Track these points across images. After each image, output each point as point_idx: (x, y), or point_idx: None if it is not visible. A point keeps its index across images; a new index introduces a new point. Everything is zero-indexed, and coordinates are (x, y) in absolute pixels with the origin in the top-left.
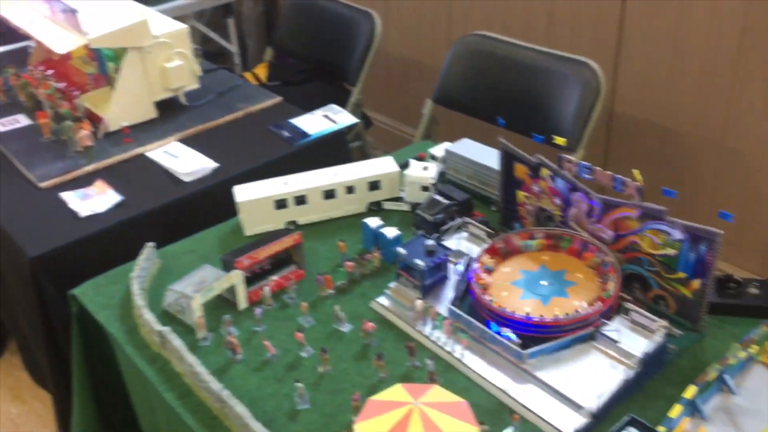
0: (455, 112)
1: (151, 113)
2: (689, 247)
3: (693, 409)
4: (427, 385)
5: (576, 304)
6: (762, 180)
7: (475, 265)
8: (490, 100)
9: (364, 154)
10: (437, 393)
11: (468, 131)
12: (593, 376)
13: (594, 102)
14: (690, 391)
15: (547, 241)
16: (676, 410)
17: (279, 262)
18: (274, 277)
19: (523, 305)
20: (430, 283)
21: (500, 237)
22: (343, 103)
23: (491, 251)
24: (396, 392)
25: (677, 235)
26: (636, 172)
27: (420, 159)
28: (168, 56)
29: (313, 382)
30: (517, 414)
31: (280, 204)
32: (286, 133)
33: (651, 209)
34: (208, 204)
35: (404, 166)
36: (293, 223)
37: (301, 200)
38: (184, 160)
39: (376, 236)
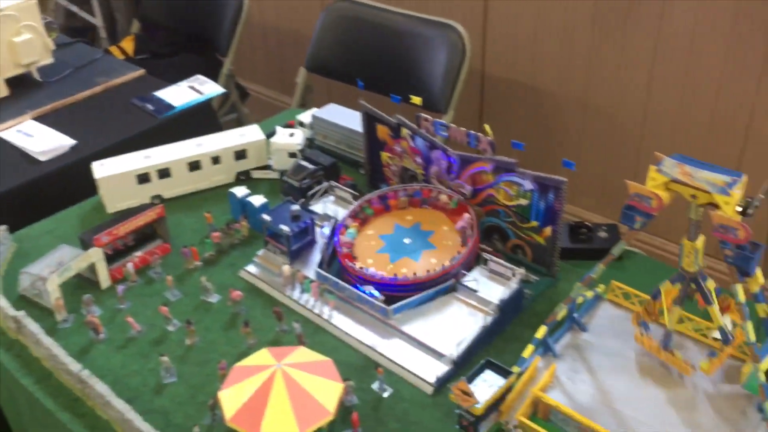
0: (330, 79)
1: (2, 91)
2: (539, 196)
3: (545, 348)
4: (293, 348)
5: (434, 262)
6: (621, 133)
7: (341, 228)
8: (361, 65)
9: (240, 126)
10: (302, 354)
11: (344, 98)
12: (455, 325)
13: (460, 64)
14: (540, 332)
15: (412, 200)
16: (528, 350)
17: (143, 237)
18: (138, 253)
19: (386, 263)
20: (298, 248)
21: (366, 197)
22: (215, 75)
23: (357, 211)
24: (261, 357)
25: (528, 185)
26: (487, 127)
27: (289, 126)
28: (16, 30)
29: (180, 355)
30: (381, 368)
31: (143, 178)
32: (149, 107)
33: (503, 162)
34: (67, 183)
35: (272, 134)
36: (158, 197)
37: (164, 173)
38: (39, 139)
39: (243, 205)
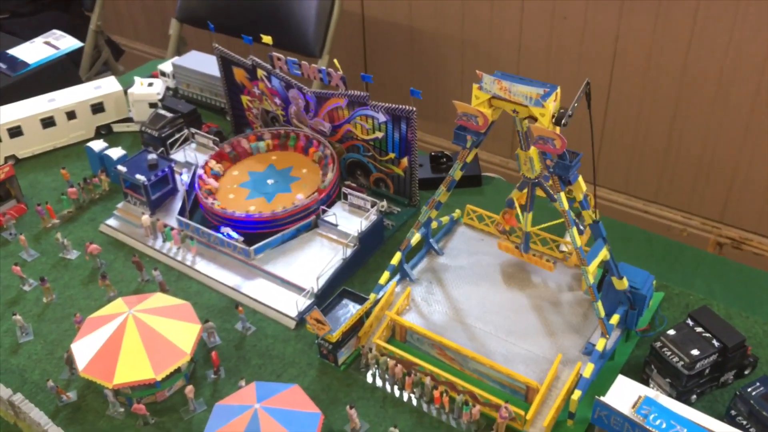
0: (199, 29)
1: None
2: (393, 127)
3: (402, 273)
4: (148, 294)
5: (297, 197)
6: (498, 67)
7: (200, 172)
8: (232, 13)
9: None
10: (157, 299)
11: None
12: (316, 260)
13: (331, 8)
14: (395, 258)
15: (275, 141)
16: (384, 277)
17: None
18: None
19: (249, 205)
20: (158, 197)
21: (228, 141)
22: (83, 32)
23: (219, 156)
24: (114, 306)
25: (381, 117)
26: (335, 62)
27: (153, 77)
28: None
29: (37, 313)
30: (241, 306)
31: None
32: (2, 65)
33: (356, 96)
34: None
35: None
36: (13, 157)
37: (16, 132)
38: None
39: (102, 159)
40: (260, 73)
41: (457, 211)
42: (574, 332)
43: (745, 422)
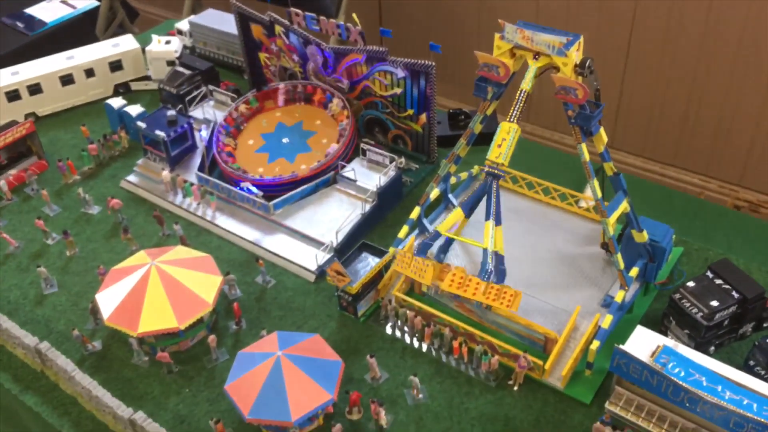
0: None
1: None
2: (412, 83)
3: (421, 228)
4: (170, 247)
5: (315, 156)
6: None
7: (220, 131)
8: None
9: None
10: (179, 252)
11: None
12: (336, 215)
13: None
14: (414, 213)
15: (292, 96)
16: (403, 231)
17: (17, 156)
18: (12, 171)
19: (272, 167)
20: (177, 153)
21: (245, 97)
22: None
23: (238, 114)
24: (137, 258)
25: (400, 73)
26: (354, 16)
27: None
28: None
29: (60, 266)
30: (261, 260)
31: (13, 96)
32: (20, 24)
33: (374, 51)
34: None
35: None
36: (33, 114)
37: (36, 89)
38: None
39: (121, 116)
40: (278, 29)
41: (476, 167)
42: (593, 285)
43: (763, 372)
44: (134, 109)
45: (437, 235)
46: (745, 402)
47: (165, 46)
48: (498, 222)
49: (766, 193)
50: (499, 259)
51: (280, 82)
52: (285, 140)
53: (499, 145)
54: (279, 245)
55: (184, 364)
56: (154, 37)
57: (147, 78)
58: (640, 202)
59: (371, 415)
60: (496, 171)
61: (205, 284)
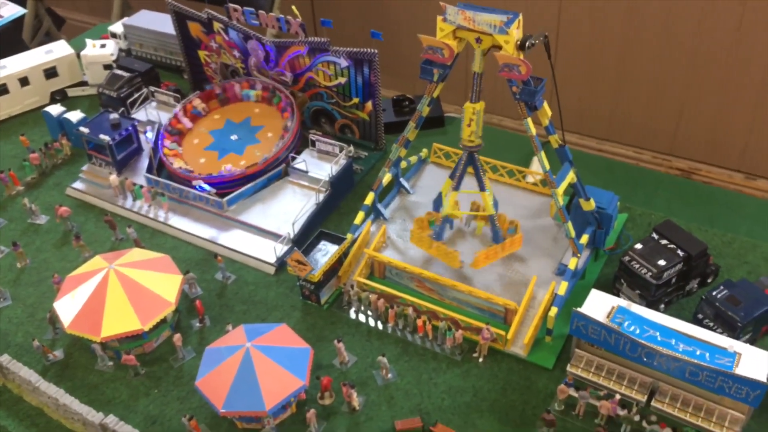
0: None
1: None
2: (355, 72)
3: (376, 213)
4: (126, 250)
5: (257, 155)
6: None
7: (164, 133)
8: None
9: None
10: (135, 254)
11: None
12: (290, 207)
13: None
14: (369, 198)
15: (264, 93)
16: (359, 217)
17: None
18: None
19: (223, 164)
20: (123, 156)
21: (188, 99)
22: (21, 3)
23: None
24: (93, 263)
25: (344, 63)
26: (294, 8)
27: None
28: None
29: (12, 279)
30: (220, 256)
31: None
32: None
33: (316, 42)
34: None
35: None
36: None
37: None
38: None
39: (61, 123)
40: (217, 26)
41: (424, 150)
42: (546, 255)
43: (711, 324)
44: (74, 115)
45: (447, 219)
46: (698, 352)
47: (100, 50)
48: (483, 189)
49: (697, 160)
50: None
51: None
52: (234, 137)
53: (469, 125)
54: (236, 241)
55: (151, 365)
56: (88, 41)
57: (84, 83)
58: (583, 173)
59: (343, 399)
60: (471, 149)
61: (166, 284)
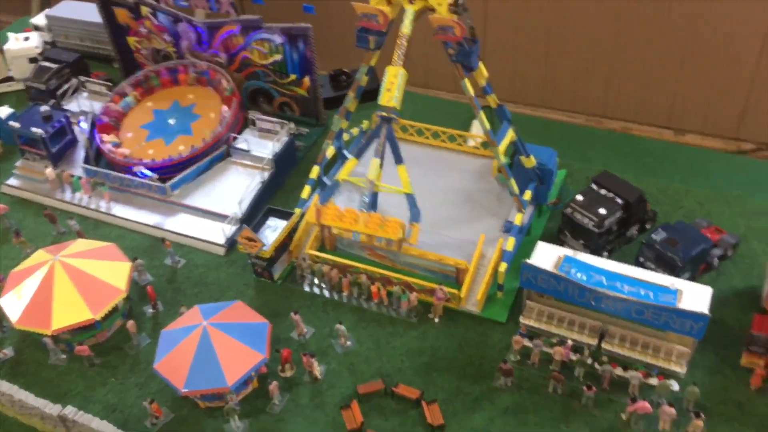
0: None
1: None
2: (290, 48)
3: (323, 186)
4: (69, 242)
5: (206, 131)
6: None
7: (100, 121)
8: None
9: None
10: (80, 244)
11: None
12: (235, 187)
13: None
14: (314, 172)
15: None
16: (306, 191)
17: None
18: None
19: (147, 148)
20: (59, 149)
21: (155, 67)
22: None
23: (141, 81)
24: (37, 257)
25: (278, 39)
26: None
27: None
28: None
29: None
30: (168, 241)
31: None
32: None
33: (248, 20)
34: None
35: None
36: None
37: None
38: None
39: None
40: (144, 10)
41: (365, 122)
42: (492, 215)
43: (653, 266)
44: (2, 111)
45: (336, 184)
46: (642, 292)
47: (24, 44)
48: (400, 161)
49: (629, 120)
50: (412, 200)
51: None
52: (171, 121)
53: (389, 90)
54: (183, 225)
55: (106, 354)
56: (11, 35)
57: (9, 79)
58: (521, 133)
59: (304, 369)
60: (389, 115)
61: (115, 272)
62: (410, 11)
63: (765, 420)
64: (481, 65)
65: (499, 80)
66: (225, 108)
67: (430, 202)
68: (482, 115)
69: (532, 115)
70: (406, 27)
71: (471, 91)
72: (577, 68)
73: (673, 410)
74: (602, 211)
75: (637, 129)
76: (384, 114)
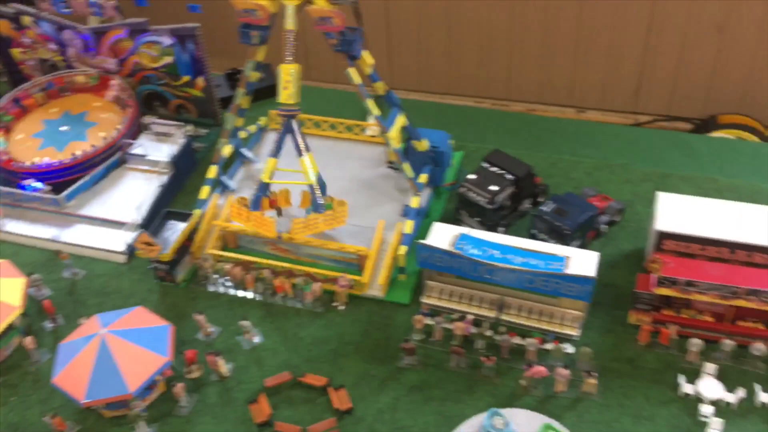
0: None
1: None
2: (180, 49)
3: (222, 186)
4: None
5: (101, 135)
6: None
7: None
8: None
9: None
10: None
11: None
12: (133, 193)
13: None
14: (211, 172)
15: (48, 92)
16: (204, 192)
17: None
18: None
19: (41, 155)
20: None
21: (9, 95)
22: None
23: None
24: None
25: (166, 41)
26: None
27: None
28: None
29: None
30: (64, 253)
31: None
32: None
33: (134, 24)
34: None
35: None
36: None
37: None
38: None
39: None
40: (26, 20)
41: (262, 118)
42: (391, 201)
43: (545, 236)
44: None
45: (265, 185)
46: (533, 262)
47: None
48: (308, 149)
49: (533, 101)
50: (322, 187)
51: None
52: (63, 128)
53: (286, 88)
54: (81, 236)
55: (5, 374)
56: None
57: None
58: (418, 119)
59: (210, 369)
60: (290, 112)
61: (8, 289)
62: (290, 6)
63: (653, 373)
64: (365, 53)
65: (407, 73)
66: (113, 83)
67: (330, 192)
68: (370, 102)
69: (441, 102)
70: (289, 23)
71: (356, 80)
72: (479, 56)
73: (566, 371)
74: (493, 187)
75: (542, 109)
76: (284, 111)
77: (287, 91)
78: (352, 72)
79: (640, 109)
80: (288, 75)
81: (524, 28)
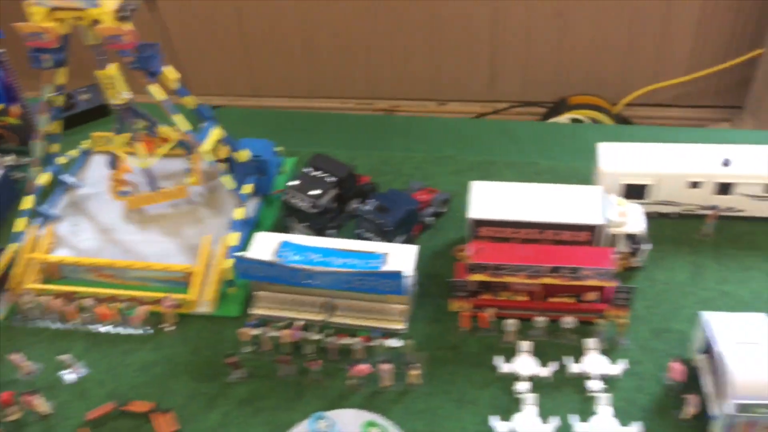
0: None
1: None
2: None
3: (40, 216)
4: None
5: None
6: None
7: None
8: None
9: None
10: None
11: None
12: None
13: None
14: (26, 203)
15: None
16: (21, 224)
17: None
18: None
19: None
20: None
21: None
22: None
23: None
24: None
25: None
26: None
27: None
28: None
29: None
30: None
31: None
32: None
33: None
34: None
35: None
36: None
37: None
38: None
39: None
40: None
41: (83, 142)
42: (218, 215)
43: (371, 235)
44: None
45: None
46: (352, 262)
47: None
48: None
49: (397, 98)
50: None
51: None
52: None
53: (111, 88)
54: None
55: None
56: None
57: None
58: (250, 129)
59: (28, 409)
60: (124, 106)
61: None
62: (83, 26)
63: (475, 357)
64: (168, 69)
65: (270, 79)
66: None
67: (154, 213)
68: (179, 117)
69: (303, 105)
70: (88, 39)
71: (160, 96)
72: (339, 56)
73: (388, 366)
74: (315, 191)
75: (406, 105)
76: (119, 107)
77: (114, 90)
78: (154, 89)
79: (497, 98)
80: (107, 78)
81: (380, 27)
